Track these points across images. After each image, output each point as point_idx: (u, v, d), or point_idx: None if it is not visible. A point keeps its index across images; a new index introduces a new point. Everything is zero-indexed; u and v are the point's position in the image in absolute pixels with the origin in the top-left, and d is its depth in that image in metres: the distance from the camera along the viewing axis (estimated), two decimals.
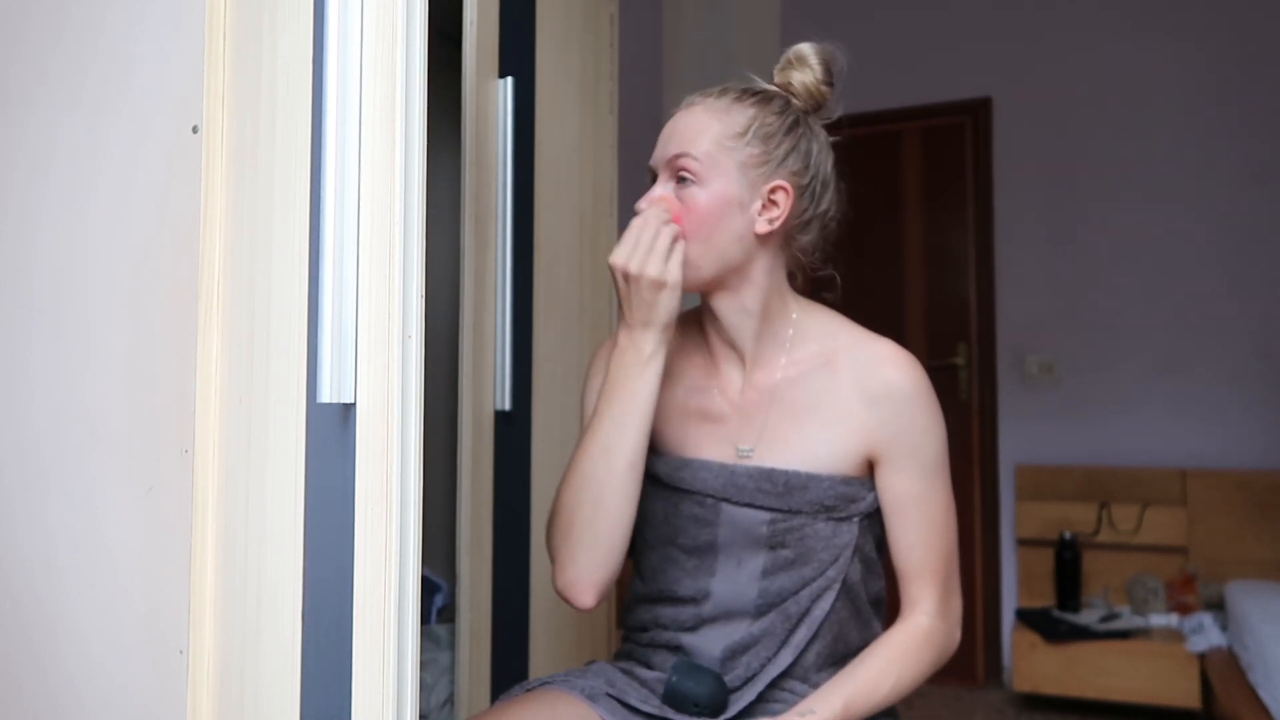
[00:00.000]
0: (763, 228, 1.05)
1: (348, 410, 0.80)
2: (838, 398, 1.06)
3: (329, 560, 0.80)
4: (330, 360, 0.78)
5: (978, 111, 3.67)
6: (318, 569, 0.82)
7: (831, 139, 1.12)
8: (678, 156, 1.04)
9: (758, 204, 1.05)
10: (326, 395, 0.77)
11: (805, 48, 1.10)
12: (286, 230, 0.87)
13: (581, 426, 1.21)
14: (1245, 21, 3.35)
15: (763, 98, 1.08)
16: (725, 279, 1.07)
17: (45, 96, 1.03)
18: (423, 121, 0.78)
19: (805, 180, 1.07)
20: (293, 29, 0.87)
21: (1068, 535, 3.26)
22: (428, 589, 1.81)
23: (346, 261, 0.79)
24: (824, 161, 1.09)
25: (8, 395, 1.03)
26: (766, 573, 1.07)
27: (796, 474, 1.05)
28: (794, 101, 1.09)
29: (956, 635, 1.09)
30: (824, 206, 1.10)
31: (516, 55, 1.48)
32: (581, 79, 1.68)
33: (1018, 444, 3.56)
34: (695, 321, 1.17)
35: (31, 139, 1.04)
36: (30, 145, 1.04)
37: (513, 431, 1.46)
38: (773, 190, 1.05)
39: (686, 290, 1.06)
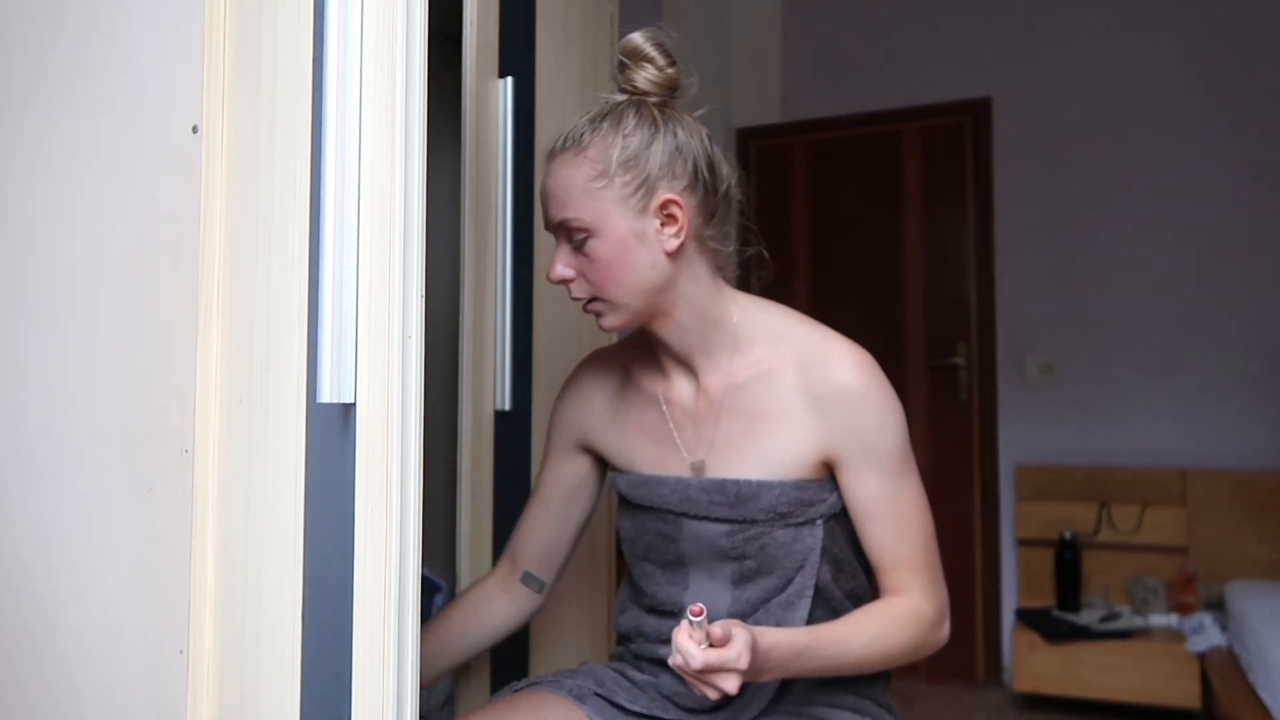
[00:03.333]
0: (671, 245, 1.01)
1: (348, 410, 0.80)
2: (786, 402, 1.03)
3: (329, 560, 0.80)
4: (330, 360, 0.78)
5: (978, 111, 3.67)
6: (318, 569, 0.82)
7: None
8: (562, 223, 1.01)
9: (654, 224, 1.01)
10: (326, 395, 0.77)
11: (636, 39, 1.04)
12: (286, 230, 0.87)
13: (543, 463, 1.23)
14: (1245, 22, 3.36)
15: (614, 117, 1.02)
16: (656, 305, 1.04)
17: (44, 96, 1.03)
18: (423, 121, 0.78)
19: (690, 178, 1.02)
20: (293, 29, 0.87)
21: (1068, 535, 3.26)
22: (428, 589, 1.81)
23: (346, 261, 0.79)
24: (700, 146, 1.03)
25: (7, 396, 1.03)
26: (737, 582, 1.06)
27: (747, 483, 1.03)
28: (648, 102, 1.03)
29: (944, 630, 1.05)
30: (723, 186, 1.05)
31: (516, 55, 1.48)
32: (581, 79, 1.68)
33: (1018, 444, 3.56)
34: (645, 339, 1.15)
35: (30, 138, 1.04)
36: (29, 145, 1.04)
37: (513, 431, 1.46)
38: (663, 206, 1.01)
39: (625, 327, 1.05)
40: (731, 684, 0.87)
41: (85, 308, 0.99)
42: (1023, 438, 3.55)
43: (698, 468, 1.06)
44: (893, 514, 1.03)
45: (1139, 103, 3.47)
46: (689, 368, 1.09)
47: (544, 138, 1.54)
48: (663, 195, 1.00)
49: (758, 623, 1.05)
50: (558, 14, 1.60)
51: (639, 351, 1.16)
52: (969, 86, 3.69)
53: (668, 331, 1.06)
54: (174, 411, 0.92)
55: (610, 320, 1.04)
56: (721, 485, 1.04)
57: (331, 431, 0.81)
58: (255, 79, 0.91)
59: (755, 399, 1.04)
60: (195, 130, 0.93)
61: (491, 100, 1.42)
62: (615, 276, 1.00)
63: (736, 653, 0.86)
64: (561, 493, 1.20)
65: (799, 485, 1.03)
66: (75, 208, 1.00)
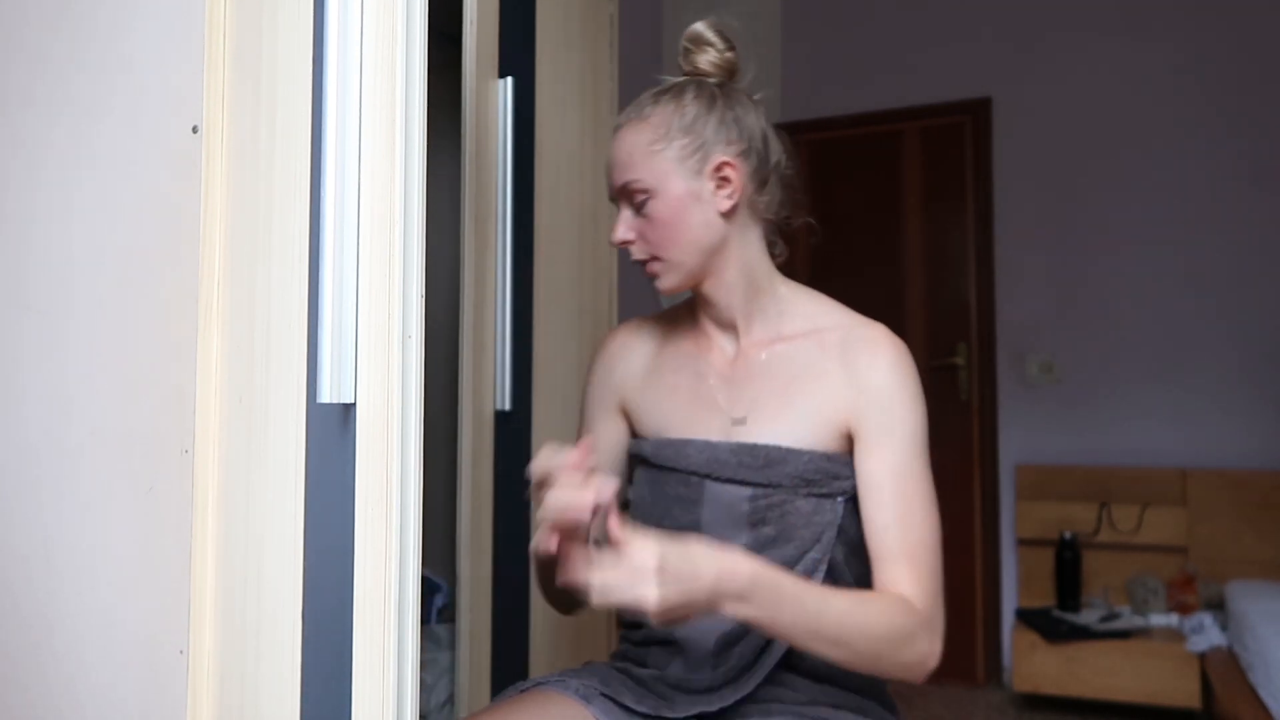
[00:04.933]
0: (724, 205, 1.09)
1: (348, 410, 0.80)
2: (823, 371, 1.07)
3: (329, 560, 0.80)
4: (330, 360, 0.78)
5: (978, 111, 3.67)
6: (318, 569, 0.82)
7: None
8: (625, 185, 1.08)
9: (710, 186, 1.08)
10: (326, 395, 0.77)
11: (698, 27, 1.14)
12: (286, 230, 0.87)
13: (580, 428, 1.24)
14: (1246, 21, 3.36)
15: (674, 91, 1.10)
16: (709, 265, 1.10)
17: (44, 96, 1.03)
18: (423, 121, 0.78)
19: (744, 145, 1.09)
20: (293, 29, 0.87)
21: (1068, 535, 3.26)
22: (428, 589, 1.81)
23: (346, 261, 0.79)
24: (755, 121, 1.12)
25: (7, 396, 1.03)
26: (751, 552, 1.05)
27: (777, 448, 1.05)
28: (707, 81, 1.12)
29: (934, 645, 0.97)
30: (774, 159, 1.13)
31: (516, 55, 1.48)
32: (581, 79, 1.68)
33: (1018, 444, 3.56)
34: (687, 309, 1.21)
35: (30, 139, 1.04)
36: (29, 145, 1.04)
37: (513, 431, 1.46)
38: (718, 168, 1.08)
39: (679, 290, 1.11)
40: (648, 590, 0.83)
41: (85, 308, 0.99)
42: (1023, 438, 3.55)
43: (738, 421, 1.09)
44: (901, 493, 1.02)
45: (1139, 103, 3.47)
46: (732, 330, 1.14)
47: (544, 138, 1.54)
48: (718, 158, 1.08)
49: None
50: (558, 14, 1.60)
51: (676, 319, 1.21)
52: (969, 86, 3.69)
53: (718, 292, 1.12)
54: (174, 411, 0.92)
55: (667, 280, 1.10)
56: (752, 449, 1.06)
57: (331, 431, 0.81)
58: (255, 79, 0.91)
59: (794, 367, 1.09)
60: (195, 130, 0.93)
61: (491, 100, 1.42)
62: (673, 235, 1.08)
63: (636, 555, 0.83)
64: (613, 457, 1.21)
65: (827, 456, 1.05)
66: (76, 208, 1.00)
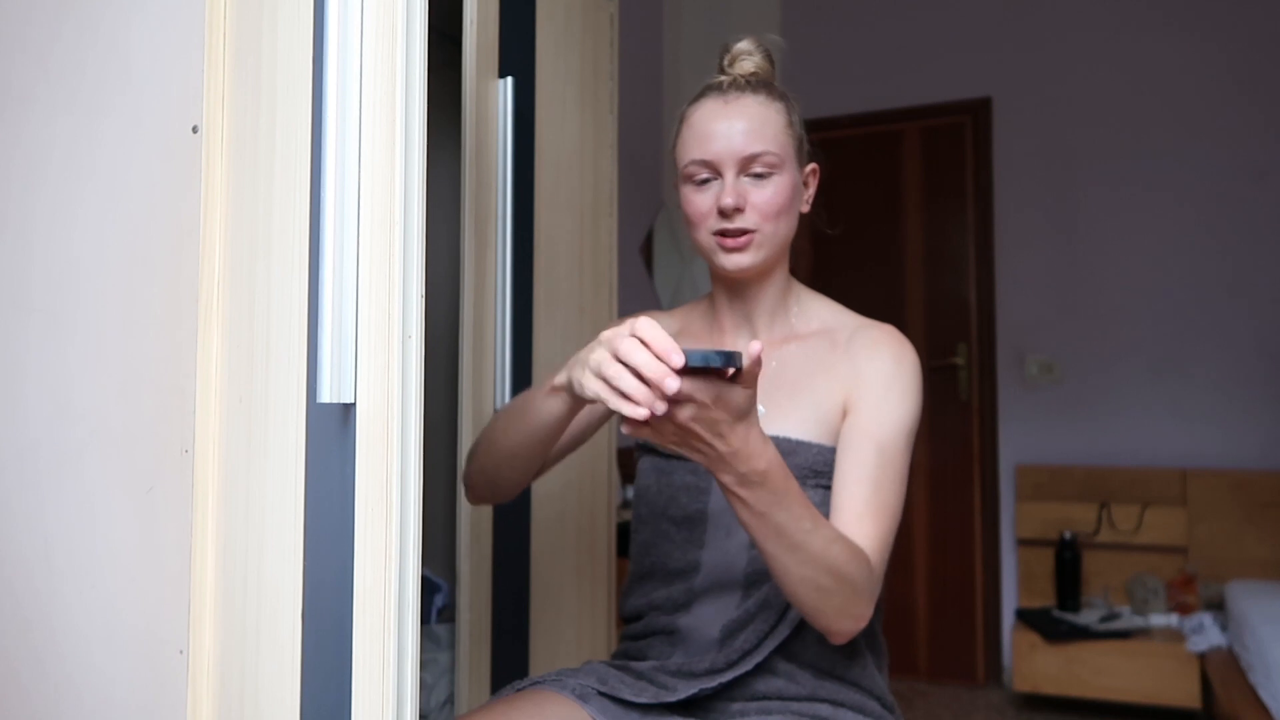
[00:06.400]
0: (805, 208, 1.14)
1: (348, 410, 0.80)
2: (832, 366, 1.10)
3: (329, 560, 0.80)
4: (330, 360, 0.78)
5: (978, 111, 3.67)
6: (318, 569, 0.82)
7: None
8: (759, 155, 1.07)
9: (802, 184, 1.13)
10: (326, 395, 0.77)
11: (744, 42, 1.16)
12: (286, 230, 0.87)
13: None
14: (1245, 21, 3.36)
15: (766, 85, 1.12)
16: (778, 258, 1.14)
17: (44, 96, 1.03)
18: (423, 121, 0.78)
19: (808, 149, 1.15)
20: (293, 29, 0.87)
21: (1068, 535, 3.26)
22: (428, 589, 1.81)
23: (346, 261, 0.79)
24: None
25: (7, 396, 1.03)
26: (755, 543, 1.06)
27: (787, 440, 1.07)
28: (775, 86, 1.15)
29: (870, 611, 0.97)
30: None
31: (516, 55, 1.48)
32: (581, 79, 1.68)
33: (1018, 444, 3.56)
34: (700, 309, 1.23)
35: (30, 138, 1.04)
36: (29, 145, 1.04)
37: None
38: (813, 171, 1.15)
39: (752, 271, 1.10)
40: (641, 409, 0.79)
41: (86, 308, 0.99)
42: (1023, 438, 3.55)
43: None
44: (878, 462, 1.02)
45: (1139, 103, 3.47)
46: (749, 328, 1.16)
47: (544, 138, 1.54)
48: (811, 163, 1.15)
49: (774, 588, 1.05)
50: (558, 14, 1.60)
51: (690, 317, 1.23)
52: (969, 86, 3.69)
53: (756, 287, 1.14)
54: (174, 411, 0.92)
55: (752, 257, 1.08)
56: None
57: (331, 431, 0.81)
58: (255, 79, 0.91)
59: (803, 361, 1.11)
60: (195, 130, 0.93)
61: (491, 100, 1.42)
62: (781, 213, 1.09)
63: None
64: (586, 423, 1.17)
65: (835, 449, 1.07)
66: (75, 208, 1.00)
